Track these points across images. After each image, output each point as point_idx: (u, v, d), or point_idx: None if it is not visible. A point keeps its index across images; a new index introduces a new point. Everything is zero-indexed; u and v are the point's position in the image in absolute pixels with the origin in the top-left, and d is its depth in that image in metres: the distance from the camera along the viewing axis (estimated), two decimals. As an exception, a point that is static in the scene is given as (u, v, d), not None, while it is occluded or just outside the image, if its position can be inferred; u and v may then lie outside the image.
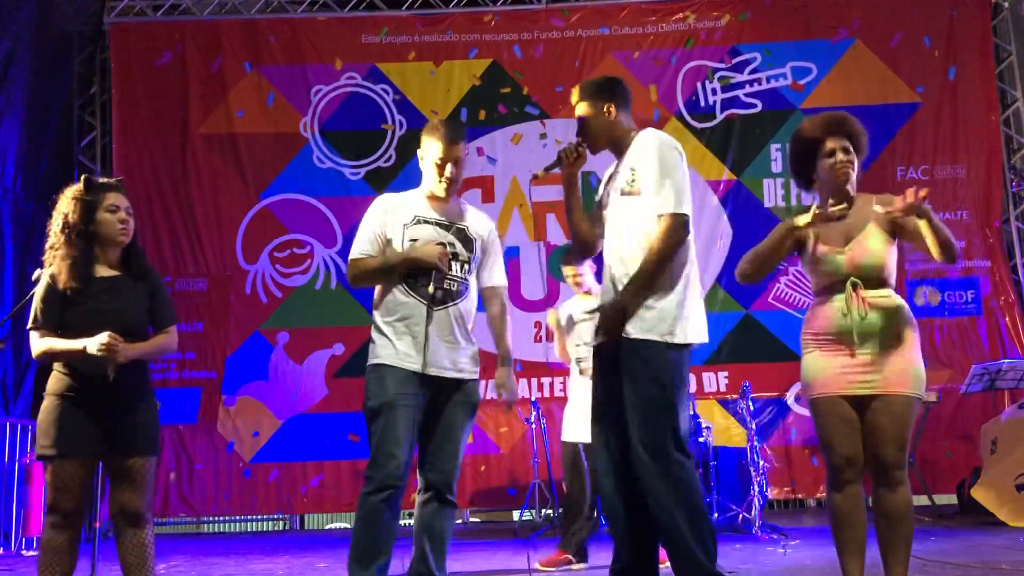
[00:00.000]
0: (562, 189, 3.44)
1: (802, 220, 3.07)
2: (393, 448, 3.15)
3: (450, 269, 3.31)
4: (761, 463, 6.41)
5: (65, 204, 3.19)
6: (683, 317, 3.09)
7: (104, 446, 3.11)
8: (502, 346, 3.49)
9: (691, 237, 3.18)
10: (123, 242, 3.22)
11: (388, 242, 3.33)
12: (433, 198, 3.40)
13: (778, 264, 3.28)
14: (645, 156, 3.13)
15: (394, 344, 3.24)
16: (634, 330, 3.04)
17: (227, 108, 8.42)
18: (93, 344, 3.01)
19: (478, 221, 3.49)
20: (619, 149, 3.29)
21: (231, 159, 8.39)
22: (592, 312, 4.85)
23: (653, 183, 3.08)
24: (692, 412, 6.54)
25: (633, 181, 3.14)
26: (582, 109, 3.29)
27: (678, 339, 3.06)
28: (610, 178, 3.34)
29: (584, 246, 3.39)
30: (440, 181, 3.35)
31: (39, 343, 3.12)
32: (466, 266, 3.38)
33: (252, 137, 8.41)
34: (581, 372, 4.98)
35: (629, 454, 3.06)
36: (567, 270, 5.16)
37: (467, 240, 3.40)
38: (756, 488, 6.23)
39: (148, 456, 3.17)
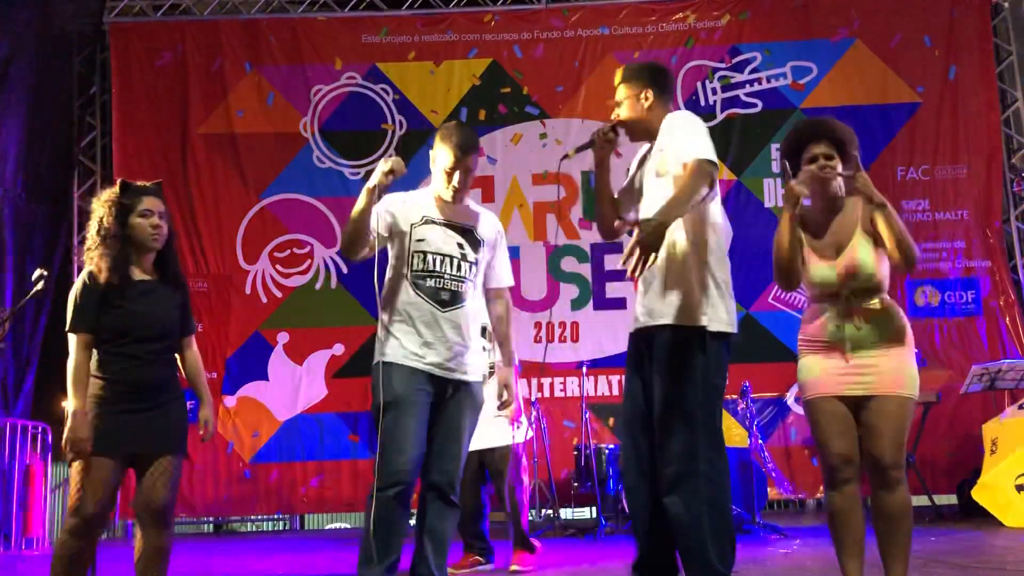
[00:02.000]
0: (577, 185, 3.45)
1: (791, 194, 3.03)
2: (403, 444, 3.15)
3: (453, 268, 3.33)
4: (768, 465, 6.45)
5: (100, 207, 3.18)
6: (724, 306, 3.06)
7: (139, 445, 3.10)
8: (506, 347, 3.53)
9: (723, 224, 3.14)
10: (155, 247, 3.20)
11: (395, 236, 3.34)
12: (439, 200, 3.41)
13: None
14: (672, 131, 3.10)
15: (402, 343, 3.25)
16: (671, 317, 3.00)
17: (227, 108, 8.42)
18: (69, 429, 2.98)
19: (486, 222, 3.50)
20: (651, 135, 3.24)
21: (231, 159, 8.39)
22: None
23: (679, 141, 3.03)
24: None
25: (663, 161, 3.10)
26: (621, 92, 3.25)
27: (713, 327, 3.01)
28: (641, 163, 3.31)
29: (609, 231, 3.35)
30: (447, 188, 3.36)
31: (74, 356, 3.05)
32: (473, 267, 3.39)
33: (252, 137, 8.41)
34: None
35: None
36: None
37: (475, 242, 3.42)
38: (779, 490, 6.29)
39: (177, 455, 3.18)
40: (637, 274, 2.90)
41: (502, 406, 3.52)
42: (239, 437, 7.95)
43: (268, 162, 8.40)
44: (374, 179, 3.20)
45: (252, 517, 8.51)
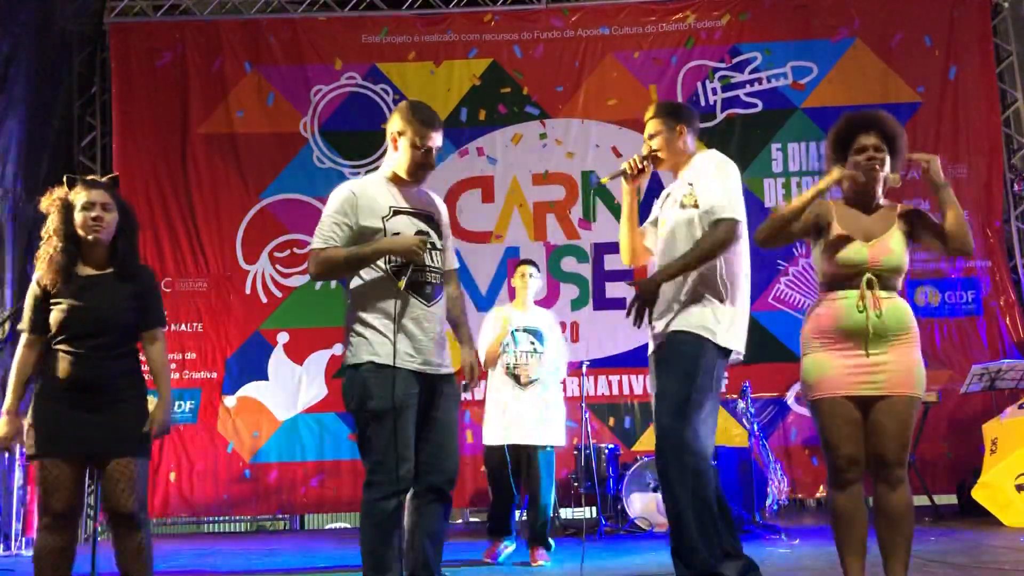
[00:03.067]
0: (577, 185, 3.68)
1: (835, 175, 3.07)
2: (405, 452, 3.07)
3: (431, 260, 3.21)
4: (776, 466, 6.46)
5: (47, 207, 3.19)
6: (729, 323, 3.23)
7: (90, 446, 3.07)
8: (465, 327, 3.43)
9: (745, 250, 3.32)
10: (95, 238, 3.14)
11: (365, 235, 3.17)
12: (399, 183, 3.28)
13: (794, 237, 3.22)
14: (704, 169, 3.31)
15: (391, 342, 3.10)
16: (677, 324, 3.20)
17: (227, 108, 8.41)
18: None
19: (439, 205, 3.42)
20: (678, 168, 3.47)
21: (231, 159, 8.38)
22: (523, 329, 5.25)
23: (710, 191, 3.25)
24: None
25: (691, 194, 3.29)
26: (655, 126, 3.45)
27: (719, 341, 3.19)
28: (666, 197, 3.50)
29: (633, 253, 3.55)
30: (414, 168, 3.24)
31: (17, 355, 3.24)
32: (440, 255, 3.28)
33: (252, 137, 8.40)
34: (521, 381, 5.19)
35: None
36: (525, 268, 5.37)
37: (436, 227, 3.32)
38: (776, 491, 6.30)
39: (133, 457, 3.10)
40: (638, 326, 3.23)
41: (467, 387, 3.44)
42: (239, 437, 7.95)
43: (268, 162, 8.39)
44: (394, 244, 3.12)
45: (252, 517, 8.50)
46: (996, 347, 7.87)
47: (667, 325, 3.26)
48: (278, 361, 8.09)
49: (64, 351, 3.11)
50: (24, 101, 7.70)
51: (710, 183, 3.27)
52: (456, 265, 3.48)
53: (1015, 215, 8.34)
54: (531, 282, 5.35)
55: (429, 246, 3.18)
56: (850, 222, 3.10)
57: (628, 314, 3.20)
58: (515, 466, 5.17)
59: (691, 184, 3.32)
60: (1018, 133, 8.50)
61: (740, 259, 3.33)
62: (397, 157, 3.30)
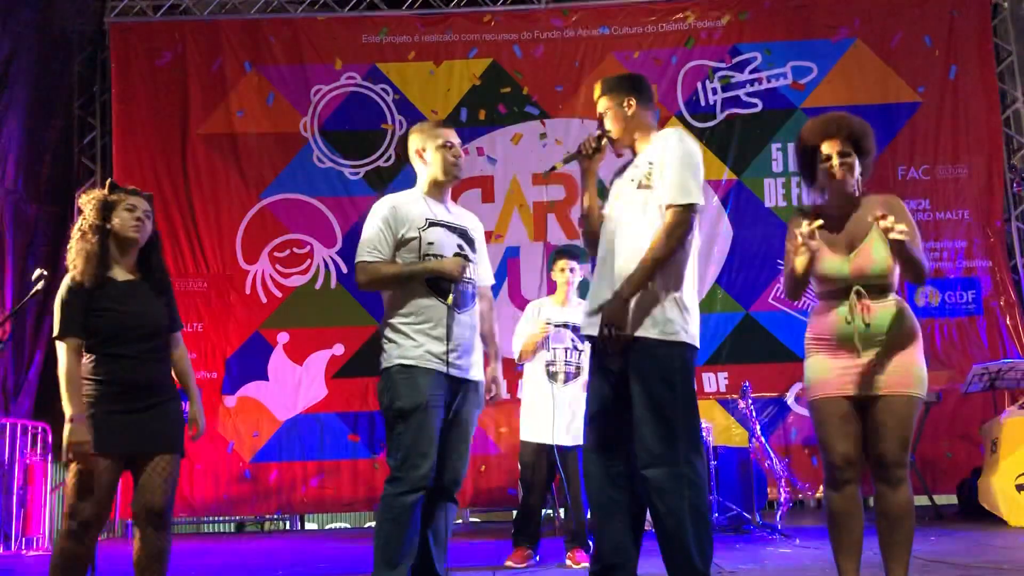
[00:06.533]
0: (577, 185, 3.43)
1: (803, 244, 2.99)
2: (428, 449, 3.16)
3: (466, 272, 3.35)
4: (777, 464, 6.45)
5: (86, 203, 3.21)
6: (690, 318, 3.10)
7: (139, 445, 3.08)
8: (493, 343, 3.53)
9: (695, 237, 3.16)
10: (135, 238, 3.18)
11: (402, 244, 3.31)
12: (435, 196, 3.42)
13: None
14: (666, 149, 3.11)
15: (423, 346, 3.23)
16: (644, 330, 3.04)
17: (227, 108, 8.41)
18: (69, 434, 2.95)
19: (473, 222, 3.55)
20: (636, 144, 3.26)
21: (231, 159, 8.38)
22: (563, 324, 5.05)
23: (669, 172, 3.05)
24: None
25: (650, 175, 3.11)
26: (603, 104, 3.27)
27: (688, 339, 3.06)
28: (620, 172, 3.32)
29: (595, 240, 3.32)
30: (448, 168, 3.39)
31: (66, 362, 3.05)
32: (474, 268, 3.42)
33: (252, 137, 8.41)
34: (559, 380, 5.02)
35: (629, 454, 3.07)
36: (564, 263, 5.15)
37: (470, 241, 3.45)
38: (785, 491, 6.31)
39: (175, 455, 3.17)
40: (618, 349, 3.03)
41: (491, 400, 3.52)
42: (239, 437, 7.95)
43: (268, 162, 8.39)
44: (442, 266, 3.25)
45: (252, 517, 8.50)
46: (996, 347, 7.88)
47: (634, 326, 3.07)
48: (278, 361, 8.10)
49: (117, 354, 3.10)
50: (25, 101, 7.70)
51: (668, 166, 3.05)
52: (491, 282, 3.59)
53: (1015, 215, 8.34)
54: (572, 276, 5.13)
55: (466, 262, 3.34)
56: (832, 233, 3.07)
57: (603, 344, 3.03)
58: (550, 467, 5.03)
59: (651, 163, 3.12)
60: (1018, 133, 8.51)
61: (691, 248, 3.14)
62: (428, 169, 3.43)
